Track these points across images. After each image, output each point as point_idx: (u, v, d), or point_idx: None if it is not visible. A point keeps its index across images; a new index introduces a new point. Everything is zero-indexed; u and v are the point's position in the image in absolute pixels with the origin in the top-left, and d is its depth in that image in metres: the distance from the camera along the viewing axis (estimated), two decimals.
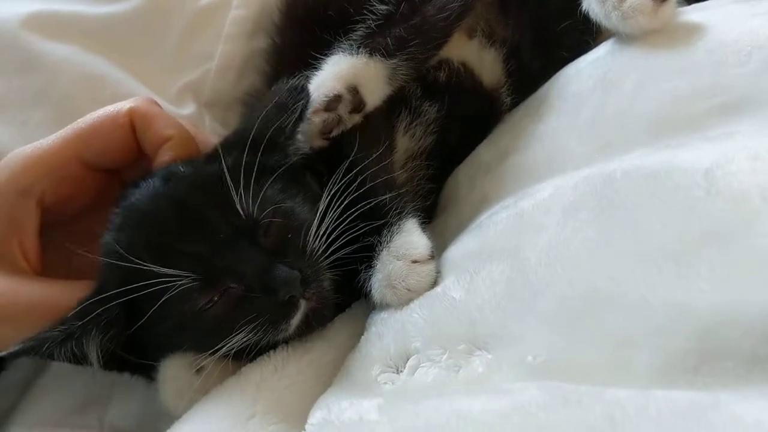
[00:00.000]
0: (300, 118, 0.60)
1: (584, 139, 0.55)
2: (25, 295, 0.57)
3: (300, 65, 0.73)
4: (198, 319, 0.53)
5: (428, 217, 0.70)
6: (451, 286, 0.52)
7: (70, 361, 0.55)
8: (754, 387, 0.34)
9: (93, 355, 0.55)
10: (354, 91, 0.62)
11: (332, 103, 0.61)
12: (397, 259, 0.56)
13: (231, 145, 0.61)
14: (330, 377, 0.54)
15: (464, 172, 0.70)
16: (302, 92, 0.61)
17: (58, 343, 0.53)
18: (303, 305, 0.54)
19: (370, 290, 0.57)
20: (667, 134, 0.50)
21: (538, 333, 0.43)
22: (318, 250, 0.56)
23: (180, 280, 0.51)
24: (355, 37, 0.65)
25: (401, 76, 0.65)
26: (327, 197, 0.57)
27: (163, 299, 0.51)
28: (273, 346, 0.55)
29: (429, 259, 0.56)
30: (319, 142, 0.62)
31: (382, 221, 0.58)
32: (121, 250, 0.53)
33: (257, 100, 0.78)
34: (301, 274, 0.53)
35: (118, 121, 0.62)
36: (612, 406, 0.35)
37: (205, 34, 0.83)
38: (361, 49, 0.64)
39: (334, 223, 0.56)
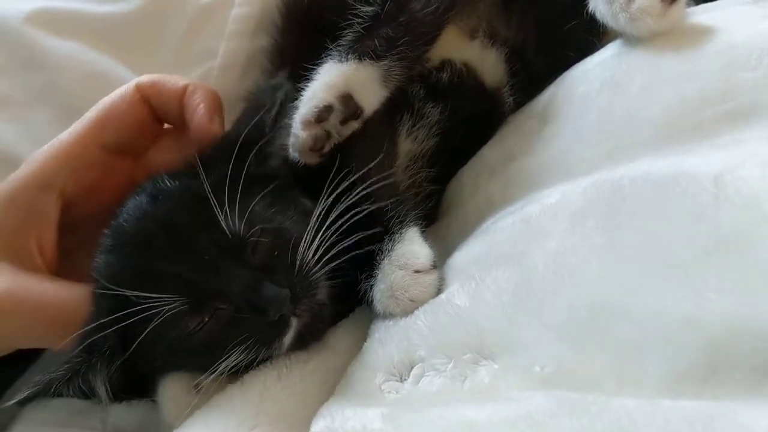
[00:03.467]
0: (279, 114, 0.60)
1: (591, 143, 0.55)
2: (36, 294, 0.57)
3: (301, 65, 0.73)
4: (189, 341, 0.53)
5: (430, 219, 0.70)
6: (455, 293, 0.51)
7: (80, 397, 0.55)
8: (764, 397, 0.33)
9: (101, 388, 0.55)
10: (348, 98, 0.60)
11: (323, 113, 0.59)
12: (399, 269, 0.55)
13: (213, 155, 0.59)
14: (333, 385, 0.53)
15: (468, 174, 0.70)
16: (280, 88, 0.61)
17: (65, 382, 0.53)
18: (294, 322, 0.53)
19: (371, 300, 0.56)
20: (674, 140, 0.49)
21: (545, 342, 0.43)
22: (309, 264, 0.55)
23: (168, 305, 0.51)
24: (343, 43, 0.64)
25: (395, 77, 0.64)
26: (321, 209, 0.56)
27: (152, 325, 0.51)
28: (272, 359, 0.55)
29: (431, 268, 0.55)
30: (312, 159, 0.60)
31: (383, 229, 0.57)
32: (109, 276, 0.53)
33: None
34: (291, 291, 0.52)
35: (126, 97, 0.63)
36: (619, 415, 0.35)
37: (207, 32, 0.83)
38: (350, 55, 0.62)
39: (328, 235, 0.55)
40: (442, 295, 0.52)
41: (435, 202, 0.72)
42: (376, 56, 0.62)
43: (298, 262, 0.54)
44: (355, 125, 0.62)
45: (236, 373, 0.53)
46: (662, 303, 0.39)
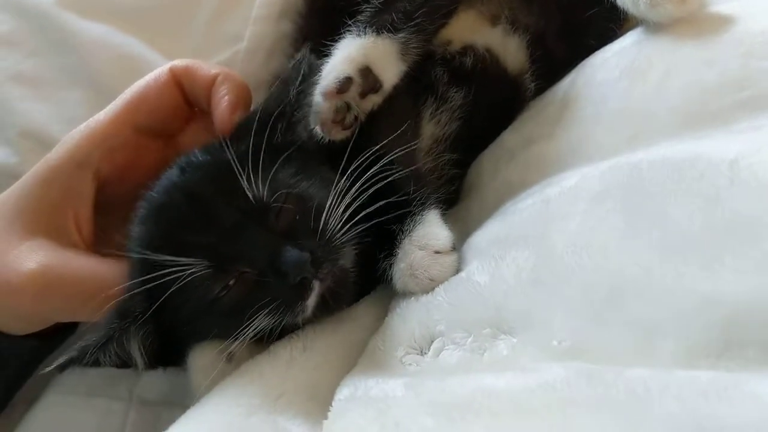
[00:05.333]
0: (303, 84, 0.61)
1: (610, 129, 0.56)
2: (75, 269, 0.58)
3: (322, 51, 0.74)
4: (216, 306, 0.54)
5: (452, 202, 0.71)
6: (475, 271, 0.52)
7: (117, 365, 0.57)
8: None
9: (136, 353, 0.57)
10: (366, 71, 0.61)
11: (343, 85, 0.60)
12: (420, 249, 0.56)
13: (241, 129, 0.61)
14: (356, 357, 0.55)
15: (488, 158, 0.71)
16: (303, 60, 0.62)
17: (99, 348, 0.54)
18: (317, 286, 0.54)
19: (391, 278, 0.57)
20: (693, 126, 0.50)
21: (564, 319, 0.44)
22: (333, 230, 0.56)
23: (194, 268, 0.52)
24: (362, 19, 0.65)
25: (413, 50, 0.65)
26: (345, 178, 0.57)
27: (178, 287, 0.52)
28: (299, 327, 0.56)
29: (451, 250, 0.56)
30: (337, 134, 0.61)
31: (405, 210, 0.58)
32: (138, 243, 0.55)
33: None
34: (312, 255, 0.53)
35: (160, 80, 0.64)
36: (635, 383, 0.36)
37: (234, 16, 0.85)
38: (368, 29, 0.63)
39: (351, 201, 0.56)
40: (462, 273, 0.54)
41: (457, 186, 0.73)
42: (394, 29, 0.64)
43: (321, 227, 0.55)
44: (375, 99, 0.62)
45: (262, 342, 0.55)
46: (678, 282, 0.40)
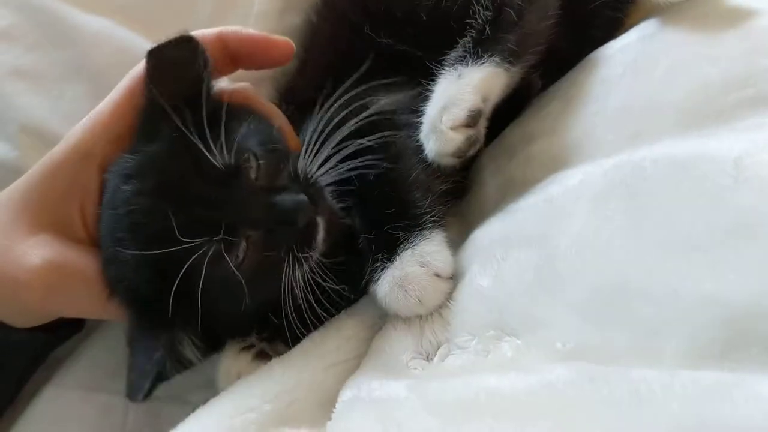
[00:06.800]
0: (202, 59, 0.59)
1: (614, 127, 0.55)
2: (82, 266, 0.57)
3: (331, 52, 0.73)
4: (242, 278, 0.53)
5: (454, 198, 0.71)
6: (478, 274, 0.52)
7: (178, 371, 0.56)
8: None
9: (191, 354, 0.57)
10: (485, 103, 0.60)
11: (474, 118, 0.58)
12: (420, 266, 0.54)
13: (163, 113, 0.57)
14: (362, 357, 0.55)
15: (488, 154, 0.70)
16: (186, 41, 0.59)
17: (167, 361, 0.54)
18: (321, 221, 0.56)
19: (377, 280, 0.56)
20: (696, 124, 0.50)
21: (567, 321, 0.44)
22: (312, 172, 0.57)
23: (201, 249, 0.51)
24: (467, 45, 0.62)
25: (513, 85, 0.63)
26: (317, 125, 0.58)
27: (197, 274, 0.51)
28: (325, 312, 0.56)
29: (448, 278, 0.55)
30: (449, 161, 0.60)
31: (414, 223, 0.57)
32: (134, 247, 0.53)
33: (287, 79, 0.79)
34: (306, 195, 0.54)
35: None
36: (638, 384, 0.36)
37: (235, 12, 0.84)
38: (490, 57, 0.60)
39: (327, 147, 0.57)
40: (465, 277, 0.53)
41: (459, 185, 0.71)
42: (513, 62, 0.61)
43: (301, 172, 0.57)
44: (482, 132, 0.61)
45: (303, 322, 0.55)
46: (682, 282, 0.40)
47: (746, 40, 0.52)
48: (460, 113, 0.58)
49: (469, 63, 0.61)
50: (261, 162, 0.56)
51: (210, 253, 0.52)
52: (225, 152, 0.54)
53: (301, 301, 0.55)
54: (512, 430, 0.38)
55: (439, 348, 0.50)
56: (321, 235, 0.56)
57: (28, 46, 0.79)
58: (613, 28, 0.65)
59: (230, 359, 0.58)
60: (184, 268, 0.51)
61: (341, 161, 0.58)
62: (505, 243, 0.53)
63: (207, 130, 0.54)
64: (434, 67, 0.63)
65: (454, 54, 0.62)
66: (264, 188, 0.55)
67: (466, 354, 0.48)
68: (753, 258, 0.38)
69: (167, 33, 0.61)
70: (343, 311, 0.60)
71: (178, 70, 0.58)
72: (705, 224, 0.41)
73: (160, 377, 0.54)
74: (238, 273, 0.53)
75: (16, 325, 0.59)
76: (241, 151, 0.55)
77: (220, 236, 0.52)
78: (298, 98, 0.74)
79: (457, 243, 0.60)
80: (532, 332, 0.45)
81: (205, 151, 0.53)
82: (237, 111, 0.60)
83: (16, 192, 0.60)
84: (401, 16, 0.69)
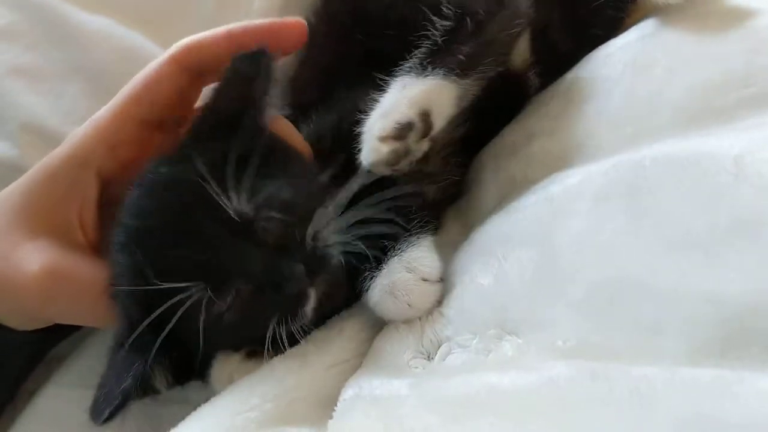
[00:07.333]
0: (268, 83, 0.57)
1: (614, 125, 0.55)
2: (81, 273, 0.56)
3: (327, 53, 0.73)
4: (222, 321, 0.52)
5: (454, 197, 0.71)
6: (479, 273, 0.52)
7: (141, 397, 0.55)
8: None
9: (161, 385, 0.56)
10: (425, 116, 0.58)
11: (403, 131, 0.57)
12: (408, 271, 0.54)
13: (202, 131, 0.57)
14: (363, 357, 0.55)
15: (488, 153, 0.70)
16: (262, 57, 0.57)
17: (134, 389, 0.53)
18: (313, 293, 0.54)
19: (368, 290, 0.56)
20: (697, 123, 0.50)
21: (568, 319, 0.44)
22: (323, 238, 0.54)
23: (190, 291, 0.50)
24: (420, 55, 0.60)
25: (469, 97, 0.61)
26: (346, 192, 0.56)
27: (180, 311, 0.50)
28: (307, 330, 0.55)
29: (437, 281, 0.55)
30: (382, 170, 0.59)
31: (402, 229, 0.56)
32: (128, 275, 0.53)
33: (287, 79, 0.79)
34: (305, 264, 0.52)
35: (161, 69, 0.61)
36: (638, 381, 0.36)
37: (236, 10, 0.84)
38: (432, 69, 0.59)
39: (348, 216, 0.55)
40: (466, 276, 0.53)
41: (459, 185, 0.72)
42: (461, 74, 0.59)
43: (309, 237, 0.54)
44: (424, 146, 0.59)
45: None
46: (682, 281, 0.40)
47: (746, 40, 0.52)
48: (387, 124, 0.57)
49: (413, 75, 0.59)
50: (274, 216, 0.53)
51: (195, 296, 0.51)
52: (246, 202, 0.52)
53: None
54: (513, 427, 0.38)
55: (440, 347, 0.50)
56: (311, 306, 0.54)
57: (28, 44, 0.79)
58: (614, 28, 0.65)
59: (222, 360, 0.57)
60: (164, 306, 0.50)
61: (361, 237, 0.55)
62: (506, 242, 0.53)
63: (233, 167, 0.52)
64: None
65: (406, 64, 0.61)
66: (270, 245, 0.53)
67: (467, 353, 0.48)
68: (753, 256, 0.38)
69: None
70: (343, 311, 0.60)
71: (239, 86, 0.57)
72: (705, 222, 0.41)
73: (123, 404, 0.53)
74: (222, 318, 0.52)
75: (15, 328, 0.59)
76: (265, 209, 0.53)
77: (210, 285, 0.51)
78: (298, 99, 0.74)
79: (457, 243, 0.60)
80: (533, 331, 0.45)
81: (222, 199, 0.51)
82: (276, 148, 0.58)
83: (14, 193, 0.59)
84: (379, 22, 0.69)
